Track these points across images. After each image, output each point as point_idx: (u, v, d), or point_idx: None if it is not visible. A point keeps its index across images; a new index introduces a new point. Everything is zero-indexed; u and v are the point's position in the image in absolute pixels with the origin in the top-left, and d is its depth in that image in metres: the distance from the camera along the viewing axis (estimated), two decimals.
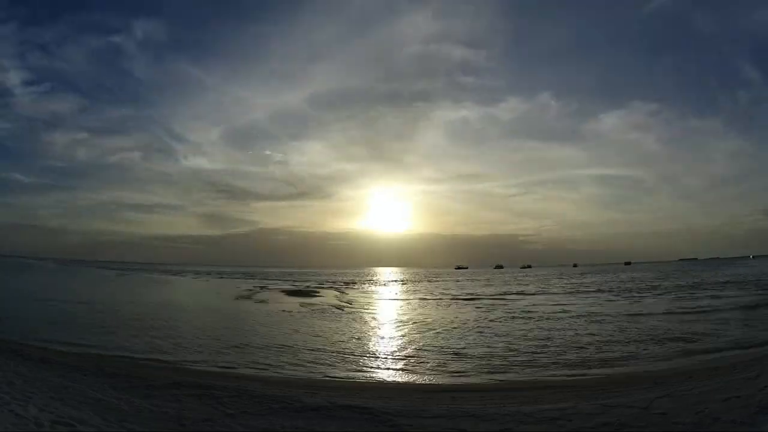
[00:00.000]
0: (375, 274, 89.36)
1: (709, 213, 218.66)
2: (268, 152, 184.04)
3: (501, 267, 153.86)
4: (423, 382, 9.34)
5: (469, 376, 9.64)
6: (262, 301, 28.02)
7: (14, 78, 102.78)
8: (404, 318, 20.46)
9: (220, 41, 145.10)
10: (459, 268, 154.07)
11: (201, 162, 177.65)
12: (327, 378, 9.58)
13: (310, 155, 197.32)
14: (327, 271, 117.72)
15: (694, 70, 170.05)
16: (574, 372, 9.70)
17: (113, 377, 8.09)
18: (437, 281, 59.72)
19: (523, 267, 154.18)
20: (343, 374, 9.90)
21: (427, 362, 10.90)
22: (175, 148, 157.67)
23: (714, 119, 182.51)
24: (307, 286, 42.71)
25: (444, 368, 10.30)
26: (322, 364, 10.72)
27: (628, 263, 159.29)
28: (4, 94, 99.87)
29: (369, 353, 12.17)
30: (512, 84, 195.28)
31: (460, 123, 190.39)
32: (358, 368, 10.43)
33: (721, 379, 7.52)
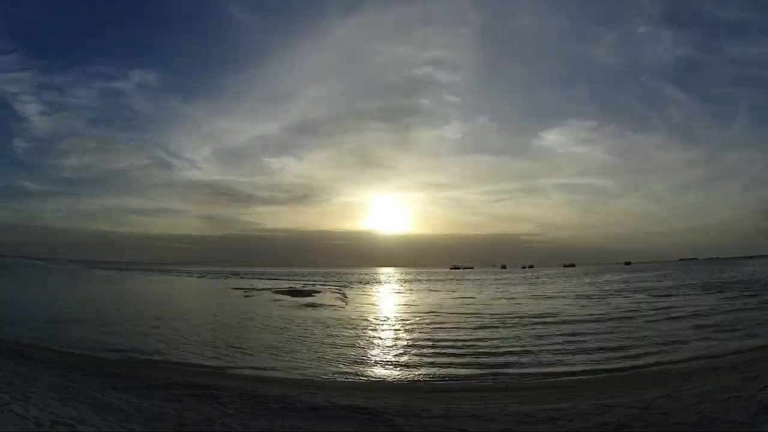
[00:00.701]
0: (367, 276, 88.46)
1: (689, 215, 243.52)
2: (265, 159, 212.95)
3: (504, 267, 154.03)
4: (423, 382, 9.34)
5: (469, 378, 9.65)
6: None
7: (32, 109, 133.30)
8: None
9: (204, 85, 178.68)
10: (455, 268, 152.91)
11: (197, 174, 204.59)
12: (327, 378, 9.59)
13: (297, 169, 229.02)
14: (323, 270, 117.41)
15: (619, 94, 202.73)
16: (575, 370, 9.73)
17: (113, 377, 8.09)
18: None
19: (523, 267, 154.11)
20: (344, 372, 9.92)
21: None
22: (174, 162, 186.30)
23: (655, 134, 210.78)
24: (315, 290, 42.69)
25: None
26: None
27: (627, 263, 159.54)
28: (22, 120, 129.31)
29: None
30: (464, 107, 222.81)
31: (427, 141, 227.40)
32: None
33: (721, 379, 7.52)
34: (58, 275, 57.75)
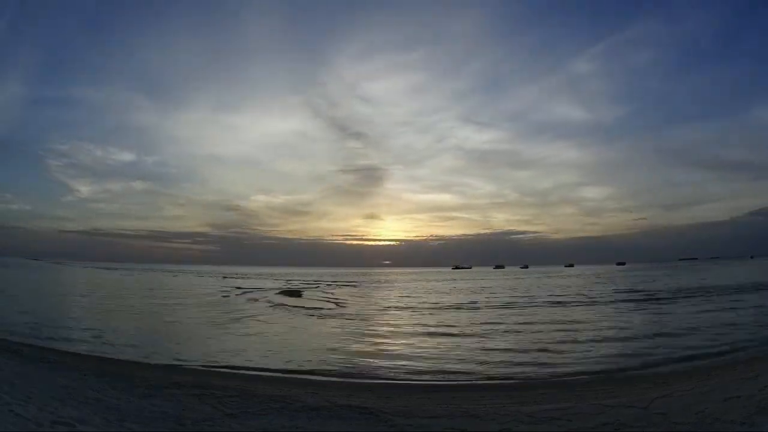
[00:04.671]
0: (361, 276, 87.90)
1: None
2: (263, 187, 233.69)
3: (502, 267, 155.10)
4: (423, 382, 9.33)
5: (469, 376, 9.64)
6: None
7: (85, 188, 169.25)
8: None
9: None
10: (458, 268, 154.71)
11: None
12: (327, 378, 9.58)
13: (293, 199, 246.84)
14: (330, 270, 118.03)
15: None
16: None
17: (113, 377, 8.09)
18: None
19: (522, 267, 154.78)
20: (343, 372, 9.90)
21: None
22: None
23: None
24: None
25: None
26: None
27: (621, 263, 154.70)
28: (75, 191, 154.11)
29: None
30: None
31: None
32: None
33: (721, 379, 7.52)
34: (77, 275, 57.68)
